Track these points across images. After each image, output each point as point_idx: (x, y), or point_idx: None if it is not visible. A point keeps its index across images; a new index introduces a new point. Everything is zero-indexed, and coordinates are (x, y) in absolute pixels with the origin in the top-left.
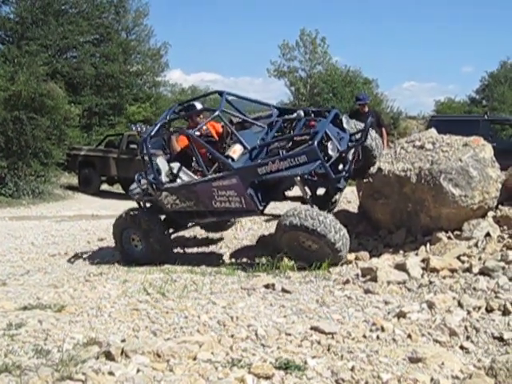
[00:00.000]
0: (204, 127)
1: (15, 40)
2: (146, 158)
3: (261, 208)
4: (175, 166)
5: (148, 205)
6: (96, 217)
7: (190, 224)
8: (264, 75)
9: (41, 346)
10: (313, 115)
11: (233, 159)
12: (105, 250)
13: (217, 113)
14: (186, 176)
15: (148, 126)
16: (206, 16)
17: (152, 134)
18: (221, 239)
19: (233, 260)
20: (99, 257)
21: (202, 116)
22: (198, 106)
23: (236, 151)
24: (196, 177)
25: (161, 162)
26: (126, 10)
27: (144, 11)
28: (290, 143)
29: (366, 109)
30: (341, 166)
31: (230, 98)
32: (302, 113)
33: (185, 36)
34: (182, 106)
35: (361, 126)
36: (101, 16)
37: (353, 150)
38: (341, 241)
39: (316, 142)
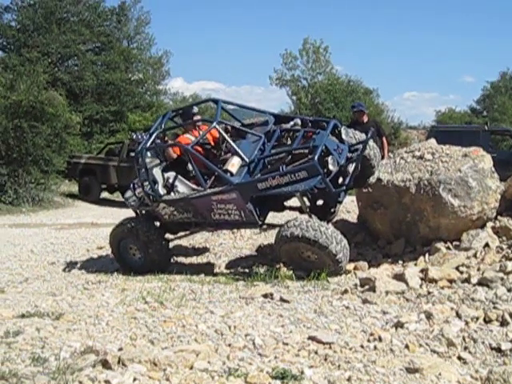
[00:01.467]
0: (200, 133)
1: (16, 48)
2: (142, 169)
3: (260, 221)
4: (171, 175)
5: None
6: (95, 225)
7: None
8: (265, 84)
9: (38, 354)
10: (310, 125)
11: (231, 173)
12: (104, 259)
13: (214, 123)
14: (182, 185)
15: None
16: (208, 25)
17: (148, 144)
18: (219, 248)
19: (231, 269)
20: (98, 265)
21: (199, 123)
22: (195, 109)
23: (234, 164)
24: (193, 184)
25: (156, 172)
26: (127, 19)
27: (145, 19)
28: (289, 156)
29: (366, 118)
30: (341, 180)
31: (226, 106)
32: (299, 121)
33: (186, 44)
34: (176, 112)
35: (360, 135)
36: (102, 24)
37: (353, 163)
38: (342, 252)
39: (316, 158)
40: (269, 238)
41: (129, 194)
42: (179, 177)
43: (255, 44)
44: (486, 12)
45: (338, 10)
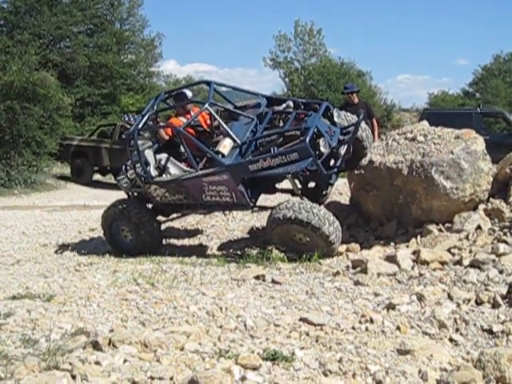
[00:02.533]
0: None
1: (8, 29)
2: (134, 150)
3: (252, 203)
4: (163, 157)
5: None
6: (88, 207)
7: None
8: (259, 66)
9: (28, 336)
10: (302, 107)
11: (223, 155)
12: (96, 240)
13: (206, 105)
14: (174, 167)
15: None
16: (200, 7)
17: (140, 126)
18: (211, 230)
19: (223, 251)
20: (90, 247)
21: (190, 105)
22: (189, 93)
23: (226, 146)
24: (184, 166)
25: (148, 154)
26: (120, 1)
27: (138, 1)
28: (281, 138)
29: (357, 100)
30: (332, 162)
31: (219, 88)
32: (291, 103)
33: (179, 26)
34: (169, 94)
35: (352, 117)
36: (95, 6)
37: (344, 146)
38: (334, 233)
39: (307, 140)
40: (261, 220)
41: (121, 176)
42: (171, 159)
43: (248, 26)
44: None
45: None
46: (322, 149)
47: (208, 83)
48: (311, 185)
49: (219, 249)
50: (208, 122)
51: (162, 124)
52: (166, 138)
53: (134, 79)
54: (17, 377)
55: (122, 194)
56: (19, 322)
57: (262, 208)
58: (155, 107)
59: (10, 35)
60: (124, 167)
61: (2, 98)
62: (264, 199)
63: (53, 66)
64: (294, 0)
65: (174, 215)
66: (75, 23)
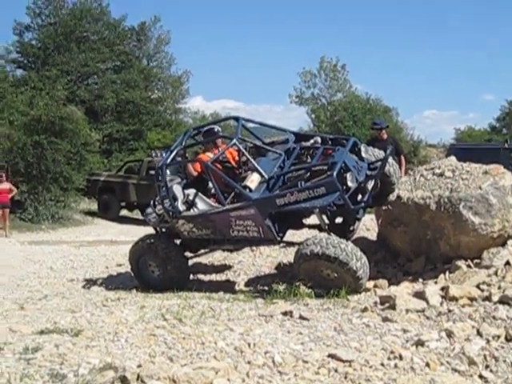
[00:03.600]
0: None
1: (36, 66)
2: (162, 185)
3: (279, 238)
4: (191, 192)
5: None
6: (115, 242)
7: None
8: (285, 103)
9: (56, 371)
10: (330, 142)
11: (250, 189)
12: (123, 276)
13: (234, 141)
14: (202, 202)
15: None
16: (227, 44)
17: (168, 161)
18: (239, 266)
19: (251, 287)
20: (117, 282)
21: (219, 140)
22: (217, 129)
23: (254, 181)
24: (212, 202)
25: (177, 189)
26: (147, 38)
27: (165, 39)
28: (308, 173)
29: (385, 136)
30: (359, 197)
31: (246, 124)
32: (319, 139)
33: (206, 63)
34: (197, 130)
35: (379, 153)
36: (122, 43)
37: (372, 181)
38: (362, 268)
39: (335, 174)
40: (288, 255)
41: (149, 210)
42: (199, 194)
43: (274, 63)
44: (506, 31)
45: (357, 29)
46: (349, 183)
47: (236, 119)
48: (338, 220)
49: (246, 284)
50: (236, 158)
51: (190, 159)
52: (195, 173)
53: (161, 115)
54: None
55: (149, 230)
56: (47, 357)
57: (289, 243)
58: (184, 143)
59: (38, 71)
60: (152, 202)
61: (30, 133)
62: (291, 235)
63: (80, 102)
64: (320, 37)
65: (202, 251)
66: (103, 60)
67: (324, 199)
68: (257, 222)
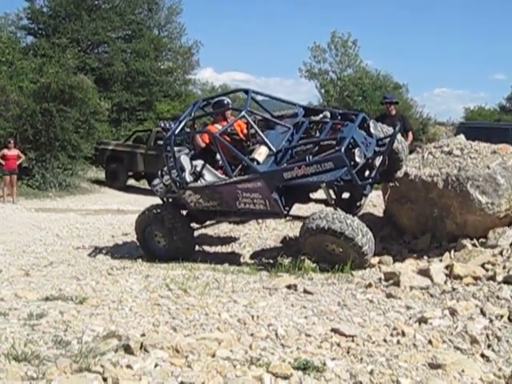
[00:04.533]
0: None
1: (47, 34)
2: (170, 156)
3: (285, 211)
4: (199, 163)
5: (171, 200)
6: (121, 211)
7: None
8: (295, 76)
9: (61, 337)
10: (339, 117)
11: (258, 162)
12: (129, 245)
13: (243, 113)
14: (209, 174)
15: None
16: (239, 16)
17: (177, 131)
18: (244, 238)
19: (256, 259)
20: (123, 251)
21: (228, 112)
22: (227, 101)
23: (261, 153)
24: (220, 173)
25: (184, 160)
26: (158, 7)
27: (177, 9)
28: (317, 147)
29: (394, 111)
30: (367, 173)
31: (256, 96)
32: (328, 114)
33: (217, 35)
34: (207, 101)
35: (388, 129)
36: (133, 12)
37: (380, 157)
38: (367, 244)
39: (343, 149)
40: (294, 229)
41: (156, 181)
42: (207, 165)
43: (286, 36)
44: None
45: (370, 6)
46: (357, 159)
47: (246, 91)
48: (345, 195)
49: (251, 257)
50: (244, 131)
51: (198, 130)
52: (203, 144)
53: (171, 86)
54: (48, 377)
55: (155, 200)
56: (52, 323)
57: (296, 217)
58: (192, 114)
59: (49, 39)
60: (160, 173)
61: (39, 101)
62: (298, 209)
63: (90, 70)
64: (332, 12)
65: (208, 222)
66: (113, 29)
67: (331, 174)
68: (264, 195)
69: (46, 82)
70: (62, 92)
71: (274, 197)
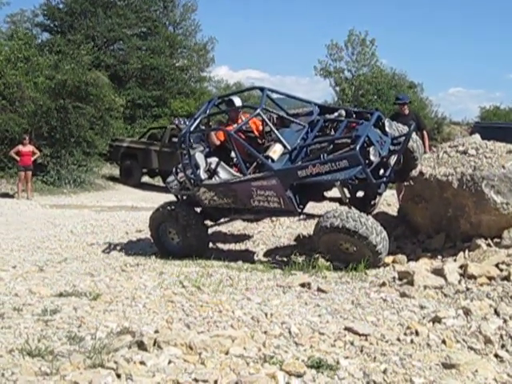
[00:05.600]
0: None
1: (62, 30)
2: (185, 153)
3: (299, 209)
4: (213, 161)
5: (185, 197)
6: (135, 208)
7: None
8: (310, 75)
9: (74, 333)
10: (354, 116)
11: (273, 160)
12: (143, 242)
13: (258, 111)
14: (224, 171)
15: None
16: (255, 13)
17: (192, 129)
18: (258, 236)
19: (269, 257)
20: (137, 248)
21: (242, 111)
22: (237, 101)
23: (276, 151)
24: (234, 171)
25: (199, 157)
26: (174, 5)
27: (192, 6)
28: (331, 146)
29: (407, 111)
30: (382, 171)
31: (271, 94)
32: (343, 112)
33: (233, 33)
34: (221, 99)
35: (403, 128)
36: (149, 9)
37: (394, 155)
38: (381, 243)
39: (358, 147)
40: (308, 228)
41: (171, 178)
42: (221, 163)
43: (302, 35)
44: None
45: (387, 4)
46: (371, 157)
47: (261, 89)
48: (360, 194)
49: (265, 255)
50: (259, 128)
51: (213, 128)
52: (217, 142)
53: (186, 83)
54: (62, 373)
55: (170, 197)
56: (65, 319)
57: (310, 216)
58: (208, 111)
59: (64, 36)
60: (174, 169)
61: (55, 97)
62: (312, 207)
63: (105, 67)
64: (347, 10)
65: (222, 220)
66: (129, 26)
67: (346, 172)
68: (278, 193)
69: (63, 78)
70: (77, 88)
71: (289, 195)
